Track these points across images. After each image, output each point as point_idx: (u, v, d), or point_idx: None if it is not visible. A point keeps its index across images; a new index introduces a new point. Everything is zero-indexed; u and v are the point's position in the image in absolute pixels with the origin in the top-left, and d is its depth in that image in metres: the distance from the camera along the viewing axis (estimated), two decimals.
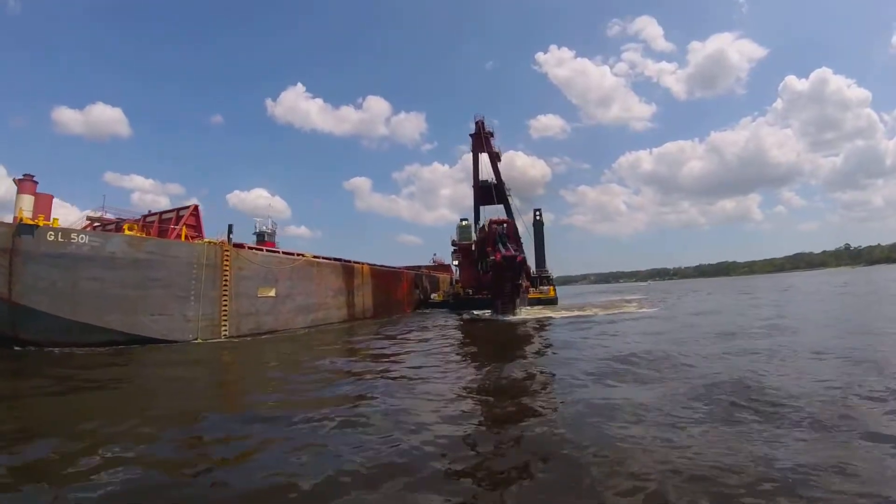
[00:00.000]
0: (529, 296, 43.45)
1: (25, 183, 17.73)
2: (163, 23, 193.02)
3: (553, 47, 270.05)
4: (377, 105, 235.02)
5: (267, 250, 31.13)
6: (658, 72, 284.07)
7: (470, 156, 47.90)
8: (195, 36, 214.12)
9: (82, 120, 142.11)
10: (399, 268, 42.76)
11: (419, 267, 52.46)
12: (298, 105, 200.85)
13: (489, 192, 47.69)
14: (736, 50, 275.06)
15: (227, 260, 20.33)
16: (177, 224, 20.39)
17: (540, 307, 39.32)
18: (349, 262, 32.54)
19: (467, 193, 48.41)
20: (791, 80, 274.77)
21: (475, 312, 34.83)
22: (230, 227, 21.36)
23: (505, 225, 33.05)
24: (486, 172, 47.02)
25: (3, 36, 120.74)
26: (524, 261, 33.11)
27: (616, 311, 31.69)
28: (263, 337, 21.52)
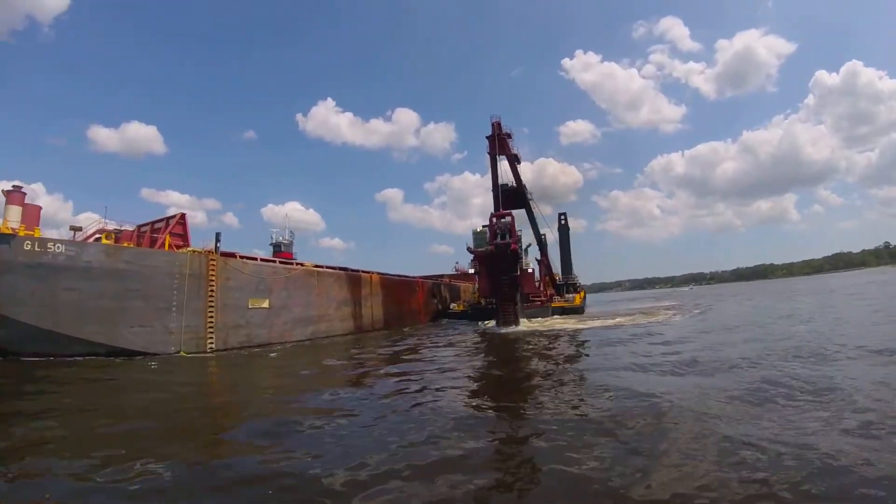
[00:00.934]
0: (553, 304, 40.92)
1: (14, 194, 17.79)
2: (193, 42, 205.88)
3: (579, 52, 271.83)
4: (406, 117, 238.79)
5: (281, 261, 30.93)
6: (686, 72, 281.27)
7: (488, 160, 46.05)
8: (226, 54, 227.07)
9: (118, 138, 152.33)
10: (414, 277, 41.42)
11: (440, 276, 50.95)
12: (329, 119, 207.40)
13: (510, 196, 45.68)
14: (764, 46, 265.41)
15: (212, 270, 19.65)
16: (170, 234, 19.98)
17: (562, 317, 36.73)
18: (357, 271, 31.56)
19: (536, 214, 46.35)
20: (821, 74, 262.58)
21: (486, 324, 32.70)
22: (217, 235, 20.81)
23: (508, 218, 30.88)
24: (508, 177, 45.27)
25: (38, 60, 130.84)
26: (519, 252, 30.52)
27: (645, 321, 28.79)
28: (255, 350, 20.63)
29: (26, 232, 16.92)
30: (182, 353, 18.46)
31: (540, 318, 36.82)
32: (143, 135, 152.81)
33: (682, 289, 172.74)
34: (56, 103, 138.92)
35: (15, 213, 17.65)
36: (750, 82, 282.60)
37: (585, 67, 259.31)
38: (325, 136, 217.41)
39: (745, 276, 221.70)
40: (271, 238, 34.73)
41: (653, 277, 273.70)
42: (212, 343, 19.44)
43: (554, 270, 49.93)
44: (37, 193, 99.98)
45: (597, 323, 29.16)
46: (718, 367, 11.67)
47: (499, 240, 28.04)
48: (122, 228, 21.59)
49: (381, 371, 14.61)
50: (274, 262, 24.26)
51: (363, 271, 32.86)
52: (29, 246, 16.01)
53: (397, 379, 12.73)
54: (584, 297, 64.43)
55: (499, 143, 42.97)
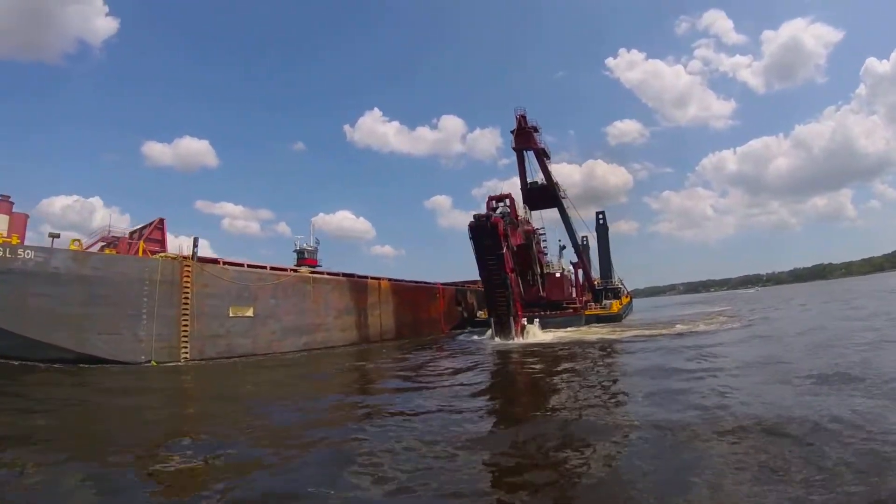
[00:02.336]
0: (586, 312, 37.49)
1: (1, 203, 18.39)
2: (240, 58, 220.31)
3: (622, 51, 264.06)
4: (452, 123, 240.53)
5: (310, 268, 30.76)
6: (733, 66, 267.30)
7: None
8: (272, 68, 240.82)
9: (171, 153, 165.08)
10: (434, 283, 39.74)
11: (466, 282, 48.92)
12: (376, 129, 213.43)
13: (539, 194, 42.95)
14: (811, 35, 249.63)
15: (187, 276, 19.26)
16: (146, 240, 19.96)
17: (598, 326, 33.39)
18: (363, 277, 30.56)
19: (572, 214, 43.70)
20: (872, 62, 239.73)
21: (480, 336, 30.09)
22: (195, 239, 20.48)
23: (507, 201, 28.21)
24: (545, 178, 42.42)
25: (90, 81, 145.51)
26: (507, 227, 26.62)
27: (688, 330, 25.10)
28: (235, 361, 20.03)
29: (4, 239, 17.37)
30: (153, 363, 18.11)
31: (573, 327, 33.80)
32: (195, 149, 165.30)
33: (746, 290, 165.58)
34: (110, 121, 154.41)
35: (2, 221, 18.27)
36: (798, 74, 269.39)
37: (630, 66, 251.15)
38: (372, 145, 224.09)
39: (802, 276, 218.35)
40: (295, 245, 34.96)
41: (707, 280, 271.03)
42: (186, 353, 19.03)
43: (596, 275, 46.35)
44: (94, 207, 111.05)
45: (630, 333, 25.75)
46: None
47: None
48: (120, 236, 21.97)
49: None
50: (264, 268, 23.67)
51: (371, 277, 31.81)
52: (1, 253, 16.29)
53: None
54: (630, 302, 59.47)
55: (525, 138, 40.64)
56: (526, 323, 29.09)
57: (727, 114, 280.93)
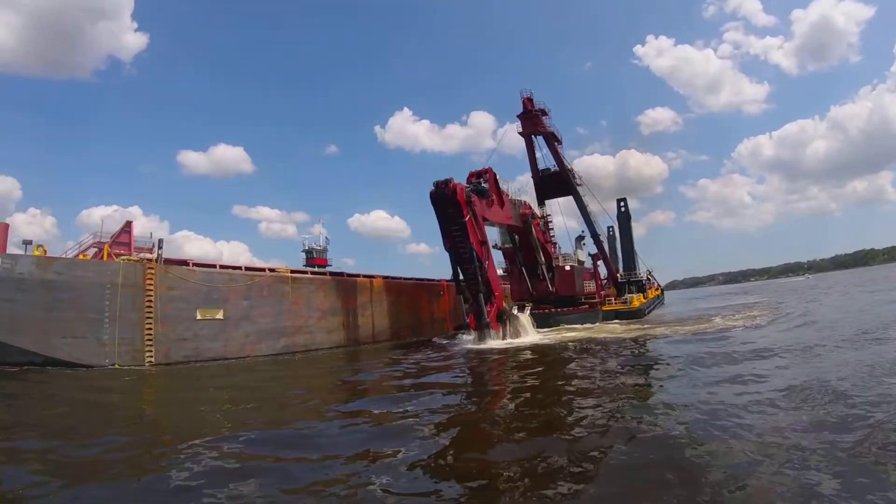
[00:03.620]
0: (604, 308, 35.53)
1: None
2: (269, 64, 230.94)
3: (650, 38, 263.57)
4: (482, 120, 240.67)
5: (318, 267, 31.32)
6: (764, 48, 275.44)
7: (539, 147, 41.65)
8: (301, 73, 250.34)
9: (206, 160, 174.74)
10: (439, 280, 39.04)
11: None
12: (406, 129, 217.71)
13: (552, 182, 41.24)
14: (841, 13, 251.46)
15: (150, 279, 19.82)
16: (114, 243, 20.77)
17: (618, 322, 31.68)
18: (353, 276, 30.46)
19: (590, 201, 42.05)
20: None
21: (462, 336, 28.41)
22: (160, 241, 21.09)
23: (485, 177, 26.47)
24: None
25: (123, 95, 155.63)
26: (471, 194, 24.12)
27: (714, 328, 23.09)
28: (202, 365, 20.45)
29: None
30: (116, 366, 18.78)
31: (587, 324, 32.23)
32: (230, 156, 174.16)
33: (794, 279, 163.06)
34: (144, 133, 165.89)
35: None
36: (831, 53, 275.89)
37: (659, 53, 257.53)
38: (403, 145, 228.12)
39: (844, 263, 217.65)
40: (303, 245, 35.59)
41: (747, 269, 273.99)
42: (150, 357, 19.59)
43: (626, 268, 43.91)
44: (134, 215, 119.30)
45: (657, 331, 23.91)
46: None
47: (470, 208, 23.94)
48: (100, 241, 23.07)
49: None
50: (239, 268, 24.09)
51: (364, 275, 31.67)
52: None
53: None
54: (660, 295, 55.91)
55: (532, 122, 39.12)
56: (515, 312, 27.64)
57: (761, 97, 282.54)
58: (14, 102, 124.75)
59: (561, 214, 45.32)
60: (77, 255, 21.49)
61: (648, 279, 47.79)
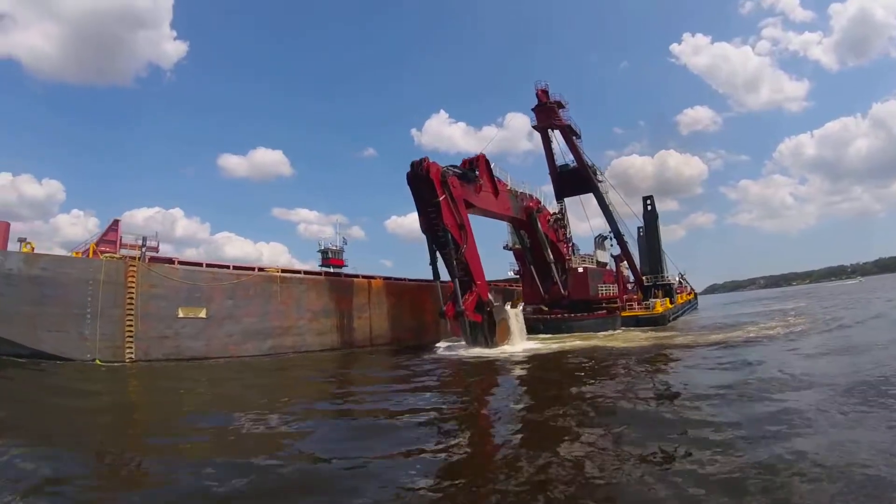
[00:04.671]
0: (623, 314, 33.74)
1: None
2: (306, 69, 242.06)
3: (686, 35, 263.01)
4: (518, 121, 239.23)
5: (333, 268, 32.10)
6: (803, 44, 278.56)
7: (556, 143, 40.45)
8: (339, 77, 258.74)
9: (246, 164, 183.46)
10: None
11: (497, 281, 46.92)
12: (442, 131, 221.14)
13: (570, 179, 39.87)
14: (880, 5, 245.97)
15: (131, 276, 20.76)
16: (102, 241, 21.99)
17: (637, 330, 30.14)
18: (350, 276, 30.64)
19: (615, 199, 40.90)
20: None
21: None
22: (144, 239, 22.03)
23: (475, 162, 25.85)
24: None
25: (164, 101, 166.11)
26: (447, 175, 23.09)
27: (740, 337, 21.36)
28: (184, 363, 21.13)
29: None
30: (97, 362, 19.77)
31: (604, 331, 30.76)
32: (269, 159, 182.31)
33: (847, 282, 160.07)
34: (186, 137, 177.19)
35: None
36: (872, 48, 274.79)
37: (696, 51, 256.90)
38: (440, 147, 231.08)
39: (889, 266, 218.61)
40: (319, 245, 36.41)
41: (789, 273, 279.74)
42: (130, 353, 20.49)
43: (653, 271, 41.58)
44: (175, 217, 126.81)
45: (677, 340, 22.42)
46: None
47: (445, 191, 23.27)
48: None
49: None
50: (227, 267, 24.81)
51: (363, 276, 31.81)
52: None
53: None
54: (692, 300, 52.32)
55: (546, 115, 38.02)
56: (508, 308, 26.50)
57: (801, 95, 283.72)
58: (58, 109, 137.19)
59: (587, 218, 43.28)
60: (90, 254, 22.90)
61: (681, 283, 44.96)
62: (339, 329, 28.59)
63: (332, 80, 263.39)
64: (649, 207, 40.99)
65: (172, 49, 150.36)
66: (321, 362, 22.80)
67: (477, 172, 25.38)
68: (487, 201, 26.67)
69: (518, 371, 17.32)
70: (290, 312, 26.25)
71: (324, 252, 35.79)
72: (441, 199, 22.59)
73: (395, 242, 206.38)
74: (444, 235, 23.33)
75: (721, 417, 8.10)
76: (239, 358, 23.20)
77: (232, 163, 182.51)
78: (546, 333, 31.05)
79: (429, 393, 13.30)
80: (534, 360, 19.93)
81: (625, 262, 39.80)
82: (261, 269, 26.17)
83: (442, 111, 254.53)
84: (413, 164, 22.97)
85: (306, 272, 28.81)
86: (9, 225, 22.44)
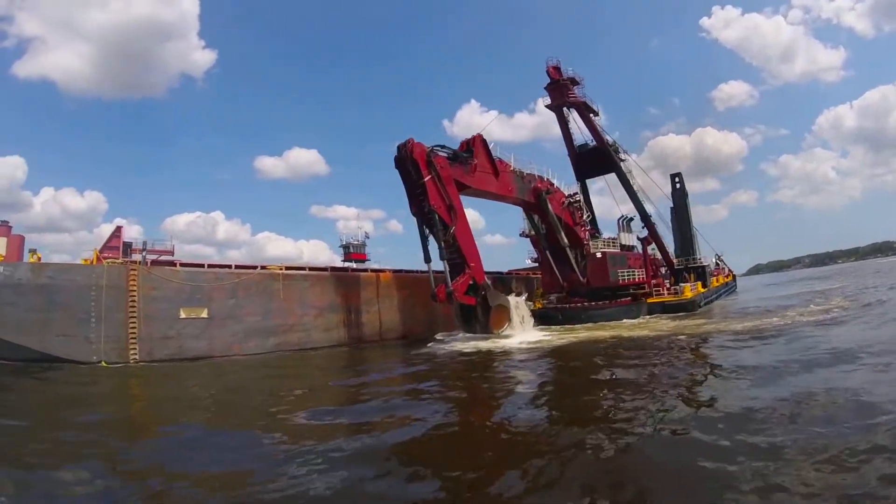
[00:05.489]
0: (649, 300, 32.16)
1: (0, 227, 23.15)
2: (337, 66, 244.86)
3: (716, 8, 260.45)
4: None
5: (356, 262, 32.90)
6: (836, 11, 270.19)
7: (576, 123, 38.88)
8: (370, 72, 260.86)
9: (283, 165, 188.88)
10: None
11: (510, 271, 45.93)
12: (474, 121, 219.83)
13: (590, 159, 38.23)
14: None
15: (133, 280, 21.72)
16: (106, 248, 23.13)
17: (664, 317, 28.84)
18: (356, 270, 30.79)
19: (655, 181, 39.88)
20: None
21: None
22: (144, 243, 23.03)
23: (472, 142, 25.54)
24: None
25: (197, 109, 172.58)
26: (431, 155, 23.06)
27: (771, 325, 19.83)
28: (186, 363, 21.97)
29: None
30: (103, 363, 20.89)
31: (628, 319, 29.55)
32: (305, 159, 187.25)
33: (894, 258, 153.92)
34: (221, 143, 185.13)
35: (1, 243, 22.99)
36: None
37: (726, 24, 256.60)
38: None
39: None
40: (341, 240, 37.12)
41: (834, 251, 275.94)
42: (135, 354, 21.51)
43: (683, 253, 39.35)
44: (216, 220, 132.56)
45: (707, 328, 21.30)
46: None
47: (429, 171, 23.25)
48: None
49: None
50: (228, 266, 25.50)
51: (372, 270, 31.96)
52: None
53: None
54: (728, 283, 48.90)
55: (559, 92, 36.51)
56: (513, 298, 25.85)
57: (837, 64, 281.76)
58: (95, 124, 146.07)
59: (615, 202, 41.01)
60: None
61: (717, 264, 42.28)
62: (346, 324, 28.85)
63: (361, 76, 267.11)
64: (678, 185, 38.62)
65: (202, 58, 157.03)
66: (303, 361, 23.01)
67: (473, 153, 24.95)
68: (484, 182, 26.11)
69: (500, 370, 16.48)
70: (294, 309, 26.70)
71: (345, 247, 36.26)
72: (427, 179, 22.51)
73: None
74: (432, 217, 23.16)
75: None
76: (243, 356, 23.87)
77: (268, 164, 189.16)
78: (564, 324, 30.06)
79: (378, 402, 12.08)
80: (532, 353, 19.18)
81: (653, 244, 37.80)
82: (263, 268, 26.74)
83: (473, 101, 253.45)
84: (399, 147, 22.94)
85: (311, 268, 29.21)
86: (23, 238, 24.15)
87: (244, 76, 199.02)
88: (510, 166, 28.23)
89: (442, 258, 23.54)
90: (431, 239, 24.16)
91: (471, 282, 23.72)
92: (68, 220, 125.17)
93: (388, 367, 19.27)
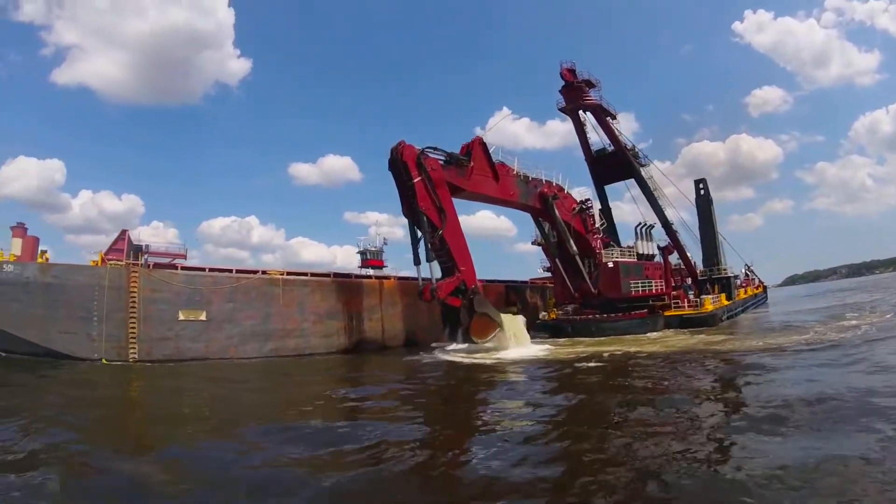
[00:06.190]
0: (666, 313, 30.92)
1: (17, 230, 24.87)
2: (369, 74, 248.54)
3: (748, 13, 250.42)
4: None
5: (373, 269, 33.65)
6: (869, 13, 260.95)
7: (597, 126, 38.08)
8: (401, 83, 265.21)
9: (317, 171, 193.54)
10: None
11: (532, 280, 45.04)
12: (506, 128, 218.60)
13: (608, 164, 37.31)
14: None
15: (133, 282, 22.68)
16: (111, 250, 24.29)
17: (685, 333, 27.68)
18: (360, 277, 31.03)
19: (689, 189, 38.95)
20: None
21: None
22: (146, 246, 23.96)
23: (471, 146, 25.94)
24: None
25: (232, 115, 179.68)
26: (422, 158, 23.56)
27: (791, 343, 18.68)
28: (183, 364, 22.66)
29: (15, 257, 23.29)
30: (103, 361, 21.85)
31: (645, 333, 28.56)
32: (339, 165, 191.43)
33: None
34: (256, 149, 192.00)
35: (17, 244, 24.52)
36: None
37: (759, 28, 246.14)
38: (505, 144, 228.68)
39: None
40: (358, 245, 37.74)
41: (871, 261, 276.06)
42: (134, 353, 22.37)
43: (707, 263, 37.63)
44: (251, 225, 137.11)
45: (724, 346, 20.27)
46: None
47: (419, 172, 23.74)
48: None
49: None
50: (229, 271, 26.23)
51: (375, 277, 32.11)
52: None
53: None
54: (761, 293, 46.05)
55: (574, 94, 35.87)
56: (490, 305, 25.38)
57: (873, 67, 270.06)
58: (133, 129, 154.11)
59: (639, 211, 39.54)
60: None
61: (747, 275, 40.13)
62: (347, 331, 29.02)
63: (393, 84, 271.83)
64: (702, 192, 37.00)
65: (237, 66, 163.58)
66: (292, 367, 23.28)
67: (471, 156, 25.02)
68: (482, 185, 26.01)
69: (475, 392, 15.84)
70: (293, 315, 27.10)
71: (363, 253, 36.66)
72: (416, 181, 22.88)
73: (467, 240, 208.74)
74: (421, 218, 23.49)
75: None
76: (239, 359, 24.40)
77: (302, 171, 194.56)
78: (574, 336, 29.23)
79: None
80: (509, 369, 18.52)
81: (674, 253, 36.32)
82: (264, 273, 27.35)
83: (504, 108, 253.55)
84: (392, 150, 23.40)
85: (313, 274, 29.65)
86: (38, 239, 25.57)
87: (279, 84, 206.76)
88: (513, 170, 27.89)
89: (428, 260, 23.63)
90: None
91: (459, 284, 23.59)
92: (105, 221, 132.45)
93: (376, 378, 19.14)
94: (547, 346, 24.40)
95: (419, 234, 24.02)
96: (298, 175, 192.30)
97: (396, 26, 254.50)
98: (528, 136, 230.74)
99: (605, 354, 20.39)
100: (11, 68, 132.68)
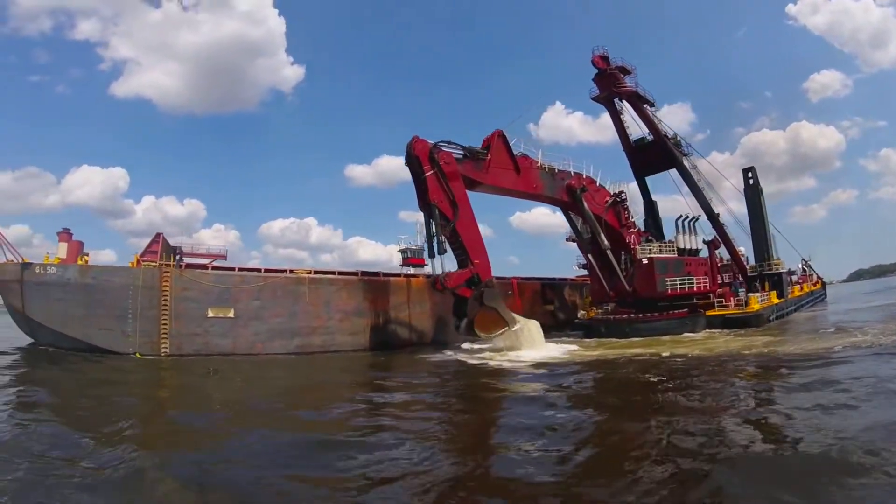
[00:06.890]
0: (709, 312, 29.37)
1: (63, 234, 26.68)
2: (421, 74, 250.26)
3: None
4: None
5: (413, 267, 34.40)
6: None
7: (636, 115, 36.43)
8: (453, 82, 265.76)
9: (372, 172, 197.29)
10: (509, 278, 37.01)
11: (564, 278, 43.82)
12: (559, 123, 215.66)
13: (648, 154, 35.74)
14: None
15: (165, 281, 23.87)
16: (147, 252, 25.66)
17: (727, 333, 26.41)
18: (388, 275, 31.28)
19: (712, 175, 37.19)
20: None
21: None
22: (179, 248, 25.14)
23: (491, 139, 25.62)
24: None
25: (288, 120, 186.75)
26: (435, 152, 23.47)
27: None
28: (210, 357, 23.64)
29: (60, 260, 25.04)
30: (137, 355, 23.16)
31: (684, 334, 27.31)
32: (394, 166, 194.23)
33: None
34: (313, 153, 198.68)
35: (63, 248, 26.29)
36: None
37: (813, 9, 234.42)
38: (559, 139, 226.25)
39: None
40: (399, 244, 38.36)
41: None
42: (165, 348, 23.58)
43: (757, 258, 35.41)
44: (310, 226, 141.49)
45: (751, 350, 19.10)
46: None
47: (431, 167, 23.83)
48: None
49: None
50: (258, 270, 27.11)
51: (405, 275, 32.28)
52: (39, 270, 23.66)
53: None
54: (819, 290, 42.28)
55: (607, 82, 34.54)
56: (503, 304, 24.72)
57: None
58: (192, 137, 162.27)
59: (686, 203, 37.19)
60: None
61: (804, 271, 37.32)
62: (372, 328, 29.31)
63: (443, 83, 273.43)
64: (751, 181, 34.68)
65: (291, 73, 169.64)
66: (312, 364, 23.66)
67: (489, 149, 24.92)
68: (500, 178, 25.63)
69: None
70: (319, 312, 27.63)
71: (403, 252, 37.10)
72: (428, 174, 22.91)
73: (522, 238, 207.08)
74: (434, 211, 23.57)
75: None
76: (266, 355, 25.15)
77: (358, 172, 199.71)
78: (609, 336, 28.21)
79: None
80: (516, 375, 17.80)
81: (721, 248, 34.30)
82: (291, 272, 28.07)
83: (558, 103, 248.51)
84: (406, 145, 23.56)
85: (340, 272, 30.14)
86: (81, 243, 27.11)
87: (332, 90, 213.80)
88: (537, 162, 27.18)
89: (440, 252, 23.74)
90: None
91: (471, 276, 23.42)
92: (168, 225, 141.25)
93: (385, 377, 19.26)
94: (569, 348, 23.60)
95: (433, 227, 24.01)
96: (354, 176, 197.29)
97: (449, 26, 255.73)
98: (582, 129, 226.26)
99: (623, 359, 19.17)
100: (73, 83, 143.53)
